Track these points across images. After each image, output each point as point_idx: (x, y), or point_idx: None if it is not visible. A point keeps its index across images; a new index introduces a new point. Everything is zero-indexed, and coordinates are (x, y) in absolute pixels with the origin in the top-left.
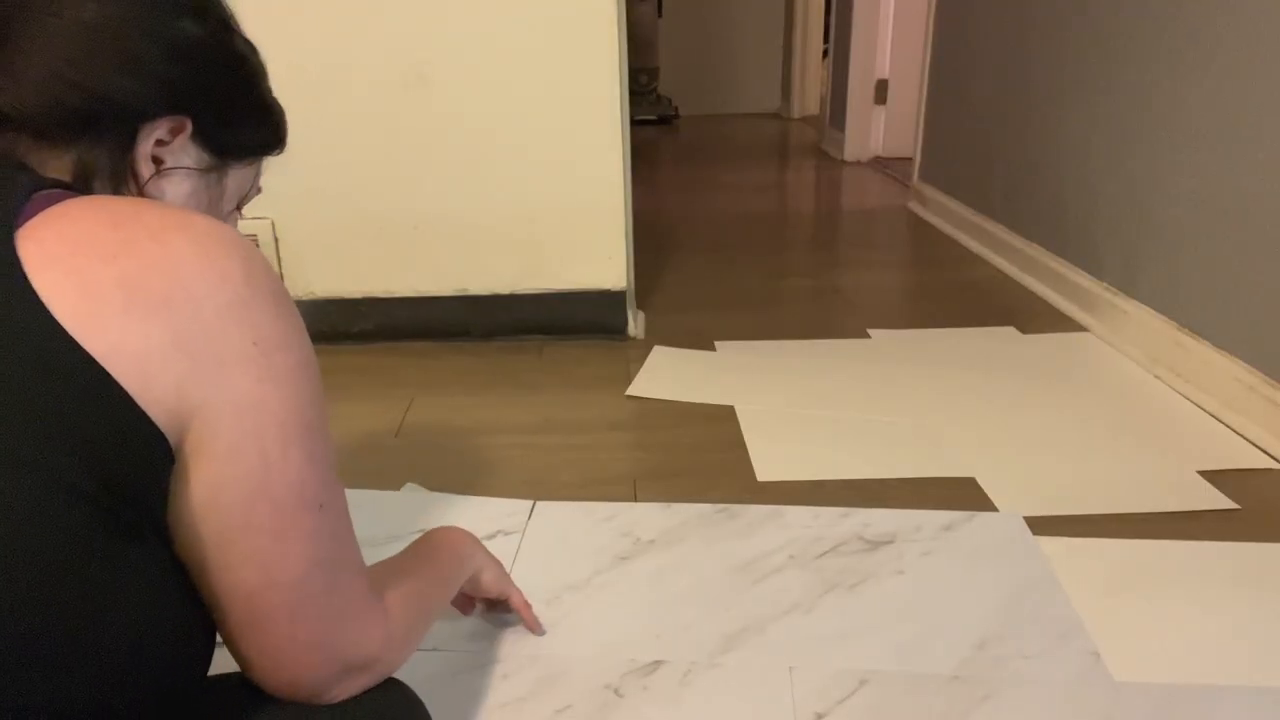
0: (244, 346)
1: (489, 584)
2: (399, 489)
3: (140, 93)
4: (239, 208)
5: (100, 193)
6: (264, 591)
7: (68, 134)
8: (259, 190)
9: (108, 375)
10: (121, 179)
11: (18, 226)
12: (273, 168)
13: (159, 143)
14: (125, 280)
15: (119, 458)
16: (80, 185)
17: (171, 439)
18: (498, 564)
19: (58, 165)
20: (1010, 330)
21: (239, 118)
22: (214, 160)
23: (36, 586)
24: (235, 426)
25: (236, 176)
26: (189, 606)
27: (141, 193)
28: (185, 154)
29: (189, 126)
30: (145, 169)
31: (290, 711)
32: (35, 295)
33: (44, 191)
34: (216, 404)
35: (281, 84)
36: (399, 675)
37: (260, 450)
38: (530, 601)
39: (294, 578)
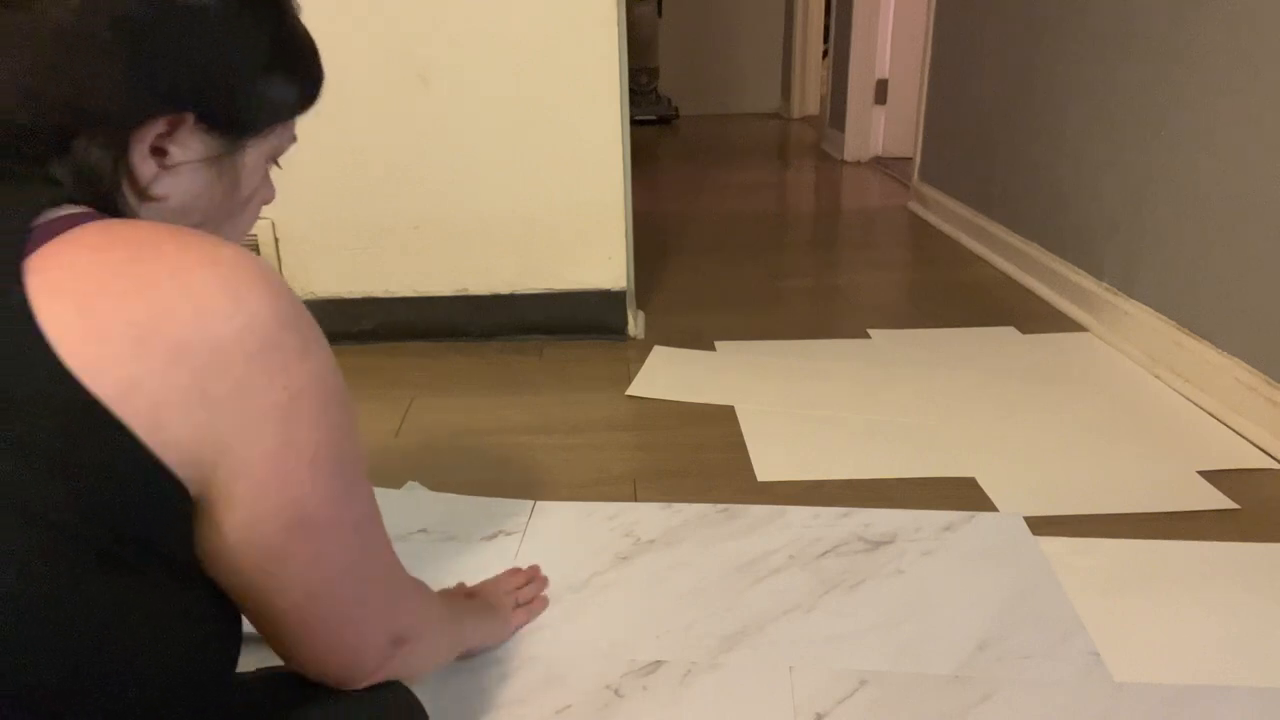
0: (273, 394)
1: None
2: (399, 489)
3: (118, 101)
4: (274, 161)
5: (104, 203)
6: (311, 606)
7: (46, 150)
8: (294, 139)
9: (110, 414)
10: (121, 184)
11: (26, 255)
12: (274, 169)
13: (159, 136)
14: (141, 322)
15: (120, 497)
16: (85, 197)
17: (190, 482)
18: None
19: (57, 175)
20: (1010, 330)
21: (249, 89)
22: (226, 144)
23: (23, 622)
24: (266, 470)
25: (257, 151)
26: (201, 632)
27: (145, 195)
28: (192, 144)
29: (190, 119)
30: (146, 170)
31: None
32: (39, 332)
33: (53, 214)
34: (243, 450)
35: None
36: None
37: (292, 487)
38: None
39: (338, 591)
